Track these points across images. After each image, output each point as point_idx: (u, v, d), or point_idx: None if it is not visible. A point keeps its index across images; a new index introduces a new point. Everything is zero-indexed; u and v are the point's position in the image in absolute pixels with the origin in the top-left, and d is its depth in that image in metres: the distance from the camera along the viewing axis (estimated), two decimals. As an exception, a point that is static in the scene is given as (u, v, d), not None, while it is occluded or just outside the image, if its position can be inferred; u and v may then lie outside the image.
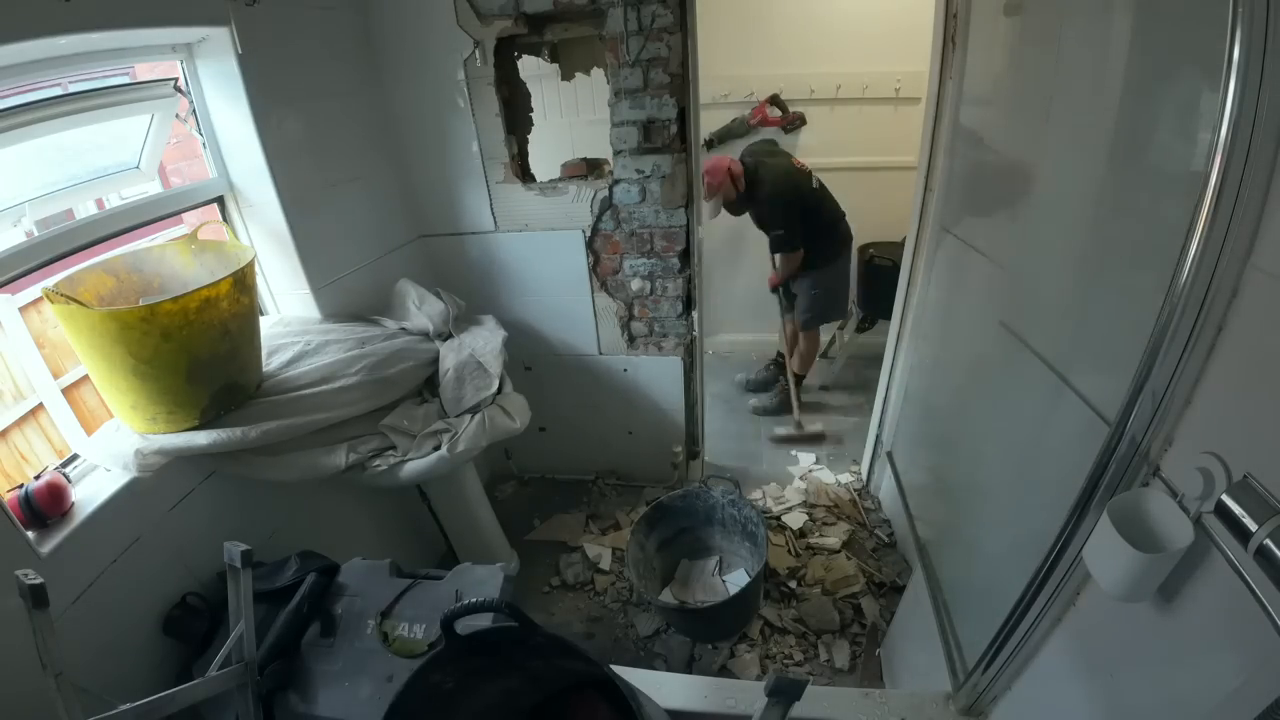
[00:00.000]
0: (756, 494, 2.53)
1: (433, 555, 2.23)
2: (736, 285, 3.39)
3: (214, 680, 1.08)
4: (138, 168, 1.60)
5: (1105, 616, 0.91)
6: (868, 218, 3.01)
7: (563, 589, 2.19)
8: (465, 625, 0.97)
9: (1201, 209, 0.67)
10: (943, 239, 1.90)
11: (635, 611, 2.07)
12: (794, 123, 2.96)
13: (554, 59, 2.22)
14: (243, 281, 1.36)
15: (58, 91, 1.35)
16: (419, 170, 2.14)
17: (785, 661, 1.87)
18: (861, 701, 1.34)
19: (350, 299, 1.92)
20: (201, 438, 1.37)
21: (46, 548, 1.13)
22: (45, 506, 1.16)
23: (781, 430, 2.89)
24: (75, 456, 1.34)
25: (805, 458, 2.71)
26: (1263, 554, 0.59)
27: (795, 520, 2.33)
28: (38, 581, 0.83)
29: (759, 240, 3.20)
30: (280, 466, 1.48)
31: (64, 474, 1.26)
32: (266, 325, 1.78)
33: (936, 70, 1.81)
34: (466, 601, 0.94)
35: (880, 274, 2.81)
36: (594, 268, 2.19)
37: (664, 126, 1.91)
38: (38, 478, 1.19)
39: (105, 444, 1.35)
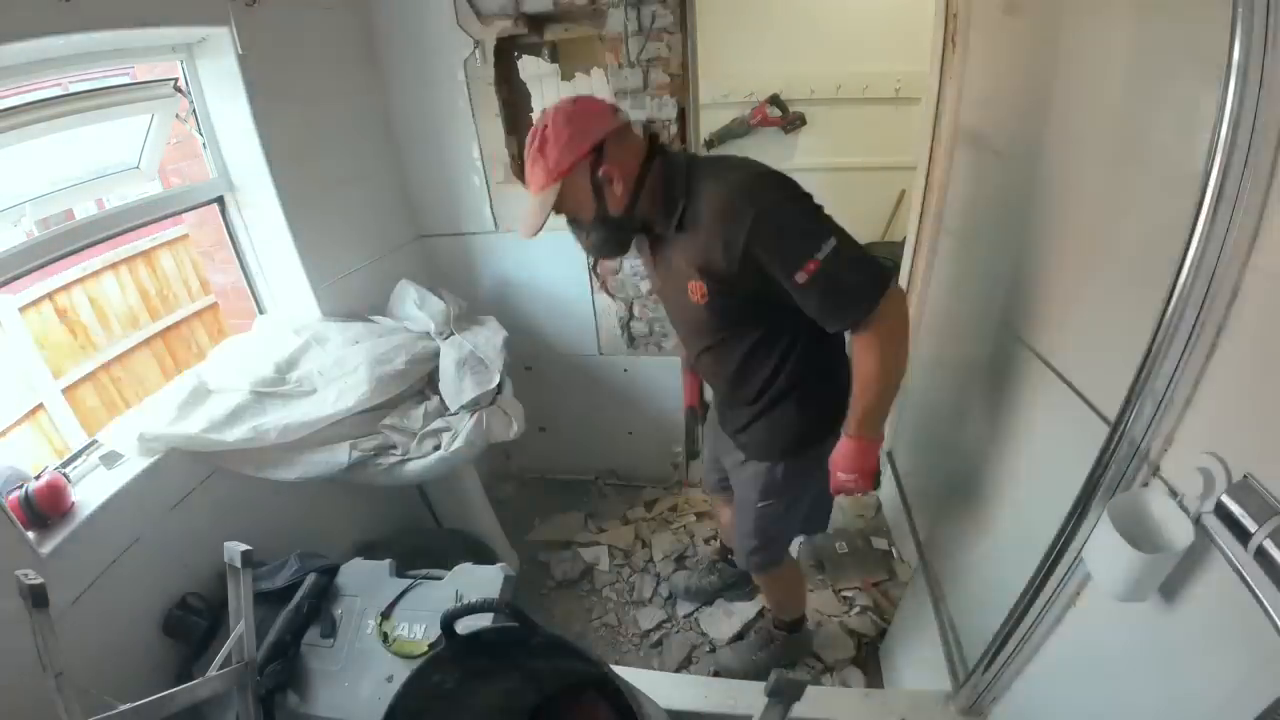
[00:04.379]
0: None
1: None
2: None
3: (214, 680, 1.07)
4: (138, 168, 1.61)
5: (1105, 616, 0.91)
6: (868, 218, 3.02)
7: (562, 589, 2.19)
8: (465, 625, 0.97)
9: (1201, 209, 0.67)
10: (943, 239, 1.90)
11: (635, 609, 2.07)
12: (794, 123, 2.96)
13: (554, 59, 2.22)
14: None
15: (58, 91, 1.35)
16: (419, 170, 2.14)
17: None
18: (861, 701, 1.34)
19: (350, 299, 1.92)
20: (227, 435, 1.39)
21: (47, 548, 1.13)
22: (45, 506, 1.16)
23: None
24: (76, 456, 1.34)
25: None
26: (1263, 554, 0.59)
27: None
28: (38, 581, 0.83)
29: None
30: (284, 465, 1.48)
31: (64, 474, 1.26)
32: (265, 323, 1.78)
33: (936, 70, 1.81)
34: (467, 601, 0.94)
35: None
36: (594, 268, 2.19)
37: (664, 127, 1.91)
38: (38, 478, 1.19)
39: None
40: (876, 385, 1.10)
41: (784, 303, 1.06)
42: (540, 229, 1.15)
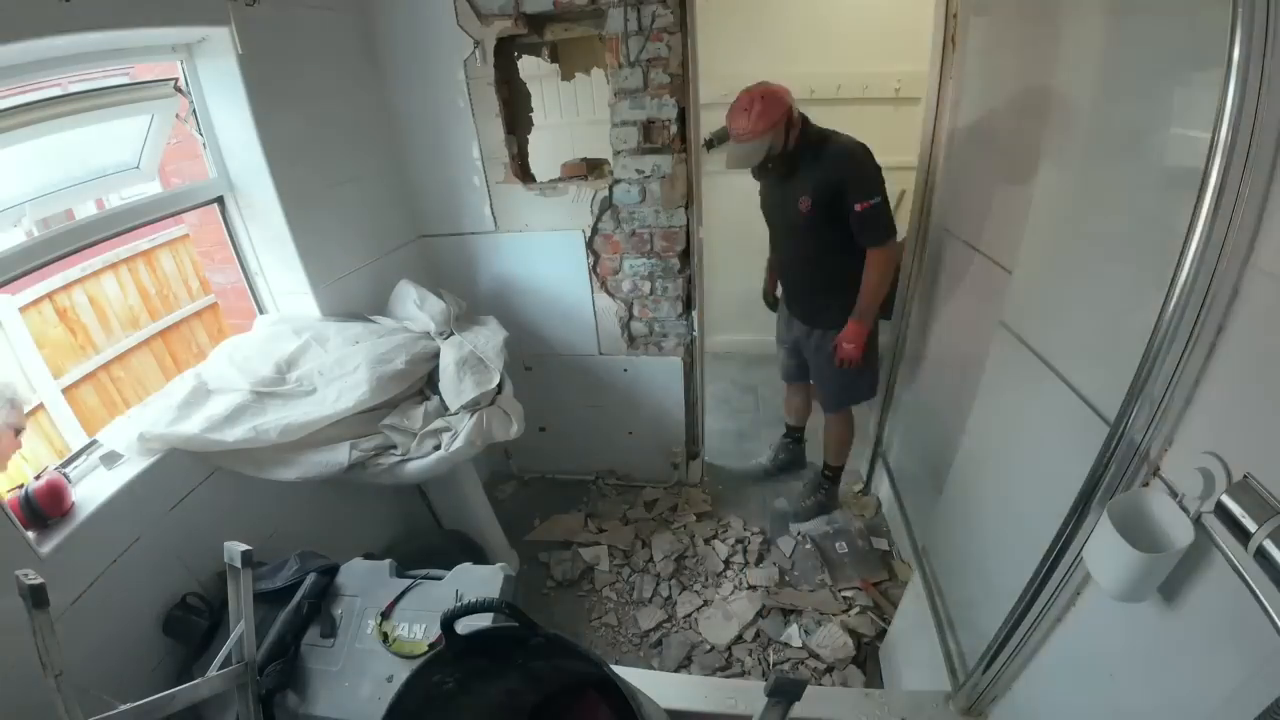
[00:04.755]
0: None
1: (433, 555, 2.23)
2: (736, 285, 3.39)
3: (214, 680, 1.08)
4: (138, 168, 1.61)
5: (1105, 616, 0.91)
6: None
7: (562, 589, 2.19)
8: (465, 625, 0.97)
9: (1201, 209, 0.67)
10: (943, 239, 1.90)
11: (635, 609, 2.07)
12: (794, 123, 2.96)
13: (554, 59, 2.22)
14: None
15: (58, 91, 1.35)
16: (419, 170, 2.14)
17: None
18: (861, 701, 1.34)
19: (350, 299, 1.92)
20: (227, 435, 1.39)
21: (46, 548, 1.13)
22: (45, 506, 1.16)
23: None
24: (76, 456, 1.34)
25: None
26: (1262, 554, 0.59)
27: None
28: (38, 582, 0.83)
29: (760, 239, 3.18)
30: (284, 465, 1.48)
31: (64, 474, 1.26)
32: (265, 323, 1.78)
33: (936, 70, 1.81)
34: (467, 601, 0.94)
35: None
36: (594, 268, 2.19)
37: (664, 126, 1.91)
38: (38, 478, 1.19)
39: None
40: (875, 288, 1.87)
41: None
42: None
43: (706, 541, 2.30)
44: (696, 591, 2.12)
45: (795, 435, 2.60)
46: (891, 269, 1.88)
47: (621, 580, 2.19)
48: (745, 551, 2.25)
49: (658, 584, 2.15)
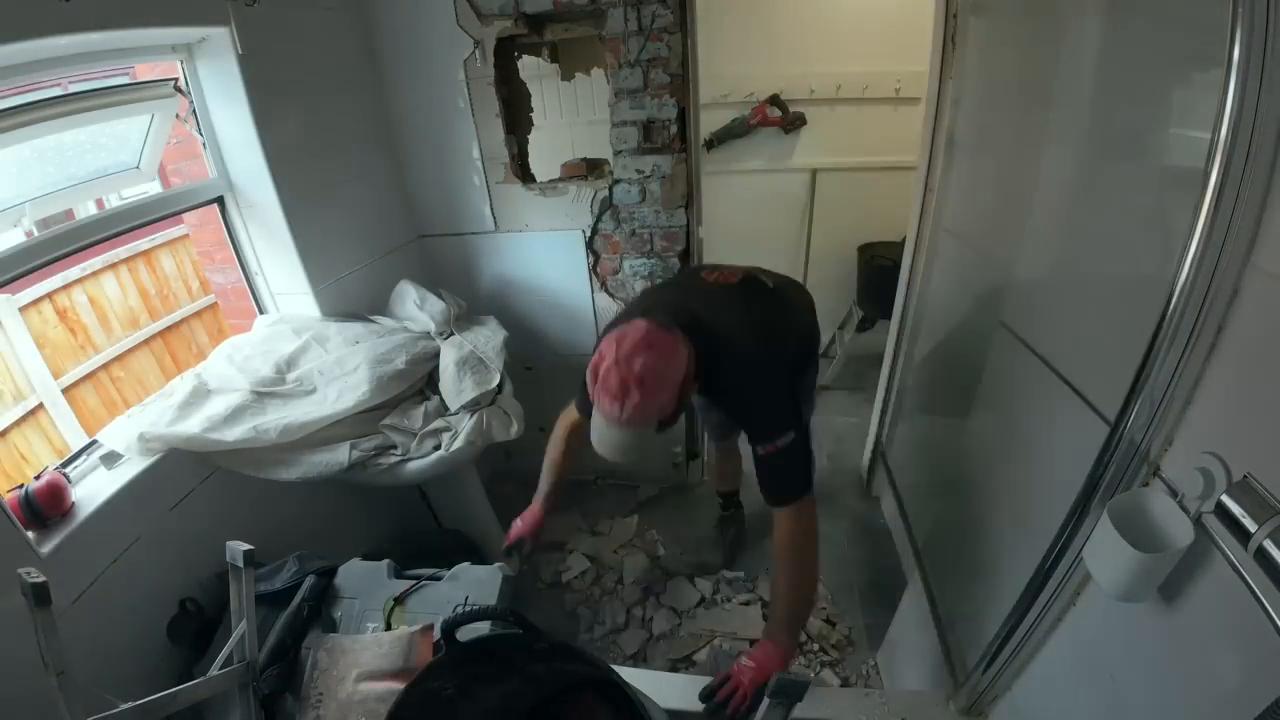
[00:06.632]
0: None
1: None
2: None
3: (216, 679, 1.07)
4: (138, 168, 1.61)
5: (1105, 616, 0.91)
6: (868, 218, 3.01)
7: (559, 587, 2.19)
8: (466, 631, 0.96)
9: (1201, 209, 0.67)
10: (943, 239, 1.90)
11: (633, 609, 2.07)
12: (794, 123, 2.96)
13: (554, 59, 2.22)
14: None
15: (58, 91, 1.35)
16: (419, 170, 2.14)
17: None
18: (862, 701, 1.34)
19: (350, 299, 1.92)
20: (227, 435, 1.39)
21: (46, 548, 1.13)
22: (45, 506, 1.16)
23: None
24: (76, 456, 1.34)
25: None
26: (1262, 554, 0.59)
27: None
28: (40, 580, 0.83)
29: (759, 239, 3.18)
30: (284, 465, 1.48)
31: (64, 474, 1.26)
32: (265, 323, 1.78)
33: (936, 70, 1.81)
34: (470, 608, 0.94)
35: (880, 274, 2.80)
36: (594, 268, 2.19)
37: (664, 126, 1.91)
38: (38, 478, 1.19)
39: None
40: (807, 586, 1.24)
41: None
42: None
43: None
44: (696, 591, 2.11)
45: (733, 501, 2.28)
46: (815, 532, 1.22)
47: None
48: (745, 551, 2.24)
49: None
